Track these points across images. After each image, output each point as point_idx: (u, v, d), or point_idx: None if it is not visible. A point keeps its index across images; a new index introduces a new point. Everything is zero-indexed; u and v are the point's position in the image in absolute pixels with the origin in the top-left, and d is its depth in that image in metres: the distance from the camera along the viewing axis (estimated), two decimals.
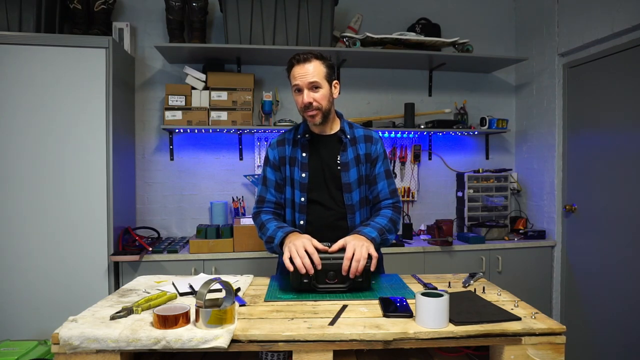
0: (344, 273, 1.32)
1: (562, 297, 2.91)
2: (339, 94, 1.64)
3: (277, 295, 1.34)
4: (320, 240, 1.39)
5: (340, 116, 1.69)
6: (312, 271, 1.30)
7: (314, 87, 1.53)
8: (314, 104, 1.53)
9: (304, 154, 1.63)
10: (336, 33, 3.01)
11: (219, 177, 3.08)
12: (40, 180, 2.40)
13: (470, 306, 1.19)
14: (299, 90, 1.54)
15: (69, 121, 2.43)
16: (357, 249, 1.33)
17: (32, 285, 2.39)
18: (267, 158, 1.70)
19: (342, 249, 1.36)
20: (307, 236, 1.40)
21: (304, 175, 1.61)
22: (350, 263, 1.32)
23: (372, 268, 1.34)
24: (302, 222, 1.62)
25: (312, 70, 1.52)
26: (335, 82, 1.60)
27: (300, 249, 1.32)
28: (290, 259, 1.32)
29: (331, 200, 1.62)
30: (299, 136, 1.65)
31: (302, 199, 1.62)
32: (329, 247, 1.38)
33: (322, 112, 1.56)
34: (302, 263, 1.30)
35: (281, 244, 1.45)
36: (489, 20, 3.34)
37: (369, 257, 1.34)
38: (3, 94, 2.36)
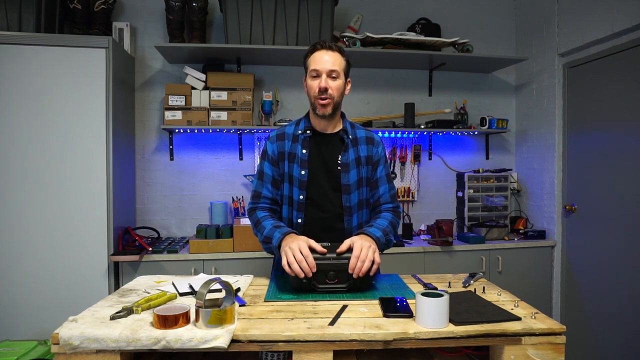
0: (350, 271, 1.32)
1: (562, 297, 2.91)
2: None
3: (277, 295, 1.34)
4: (316, 241, 1.37)
5: (342, 115, 1.67)
6: (309, 274, 1.30)
7: (333, 76, 1.53)
8: (330, 91, 1.52)
9: (304, 151, 1.59)
10: (336, 33, 3.01)
11: (218, 177, 3.08)
12: (40, 180, 2.40)
13: (470, 306, 1.18)
14: (316, 75, 1.53)
15: (69, 121, 2.43)
16: (363, 249, 1.33)
17: (32, 285, 2.39)
18: (265, 152, 1.65)
19: (344, 250, 1.35)
20: (304, 238, 1.38)
21: (303, 172, 1.57)
22: (357, 263, 1.32)
23: (371, 273, 1.35)
24: (299, 221, 1.59)
25: (334, 59, 1.53)
26: (349, 79, 1.61)
27: (297, 253, 1.31)
28: (289, 264, 1.32)
29: (328, 201, 1.59)
30: (299, 132, 1.61)
31: (301, 197, 1.58)
32: (328, 247, 1.37)
33: (334, 103, 1.54)
34: (300, 267, 1.30)
35: (279, 245, 1.44)
36: (489, 20, 3.34)
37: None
38: (3, 94, 2.36)
